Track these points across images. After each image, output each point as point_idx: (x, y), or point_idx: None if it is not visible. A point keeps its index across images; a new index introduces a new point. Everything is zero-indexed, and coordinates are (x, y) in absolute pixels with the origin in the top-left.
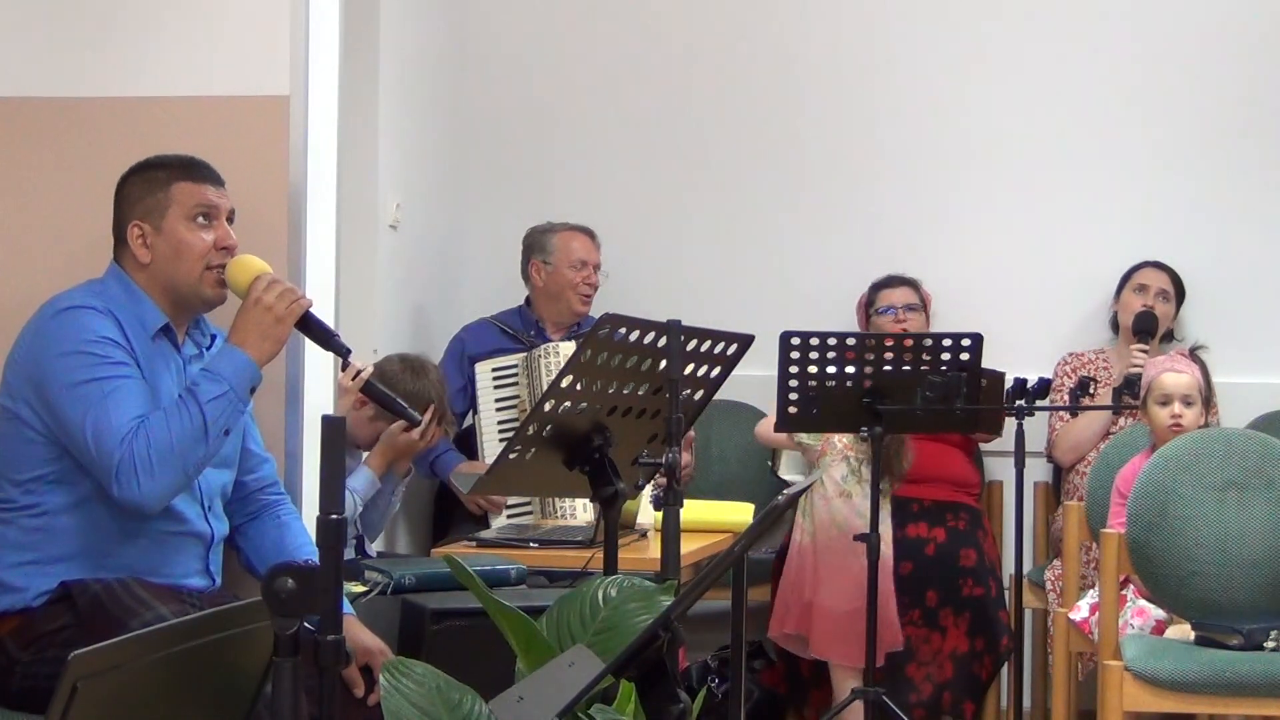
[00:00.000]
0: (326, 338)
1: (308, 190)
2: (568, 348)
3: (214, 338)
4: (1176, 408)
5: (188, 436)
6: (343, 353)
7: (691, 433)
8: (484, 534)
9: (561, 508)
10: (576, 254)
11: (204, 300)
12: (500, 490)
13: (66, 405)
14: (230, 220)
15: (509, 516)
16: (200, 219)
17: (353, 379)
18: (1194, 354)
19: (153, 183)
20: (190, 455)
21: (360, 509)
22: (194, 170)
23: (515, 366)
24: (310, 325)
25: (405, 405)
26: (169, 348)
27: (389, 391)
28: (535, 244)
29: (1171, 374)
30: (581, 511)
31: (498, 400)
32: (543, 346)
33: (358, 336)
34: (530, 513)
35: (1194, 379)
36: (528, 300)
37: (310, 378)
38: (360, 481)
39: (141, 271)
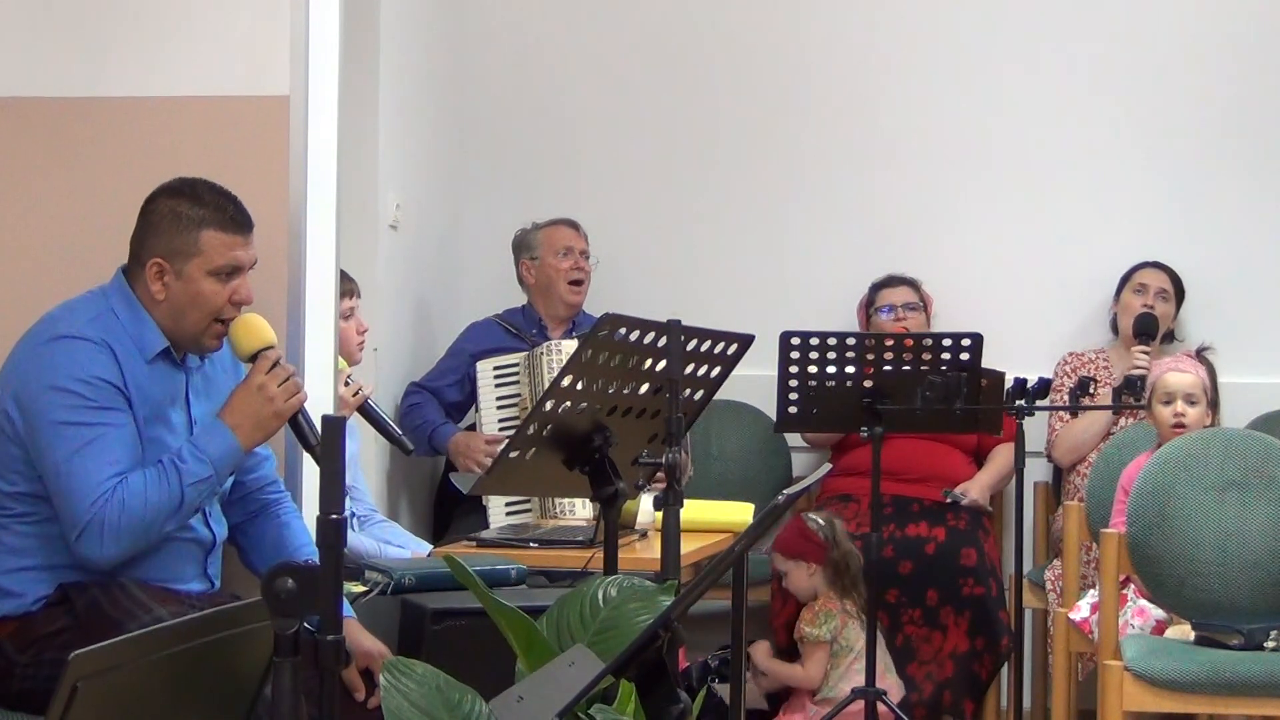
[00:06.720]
0: (308, 442)
1: (308, 190)
2: (570, 345)
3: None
4: (1179, 406)
5: (162, 511)
6: (315, 456)
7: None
8: (484, 534)
9: (560, 505)
10: (560, 242)
11: (201, 349)
12: (500, 490)
13: (49, 440)
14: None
15: (508, 514)
16: (224, 275)
17: (354, 394)
18: (1200, 355)
19: (184, 222)
20: (159, 527)
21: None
22: (226, 217)
23: (516, 365)
24: (297, 419)
25: (400, 433)
26: (168, 367)
27: (385, 415)
28: (521, 245)
29: (1175, 373)
30: (580, 509)
31: (499, 398)
32: (545, 345)
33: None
34: (530, 510)
35: (1198, 378)
36: (529, 302)
37: (310, 378)
38: None
39: (151, 303)
